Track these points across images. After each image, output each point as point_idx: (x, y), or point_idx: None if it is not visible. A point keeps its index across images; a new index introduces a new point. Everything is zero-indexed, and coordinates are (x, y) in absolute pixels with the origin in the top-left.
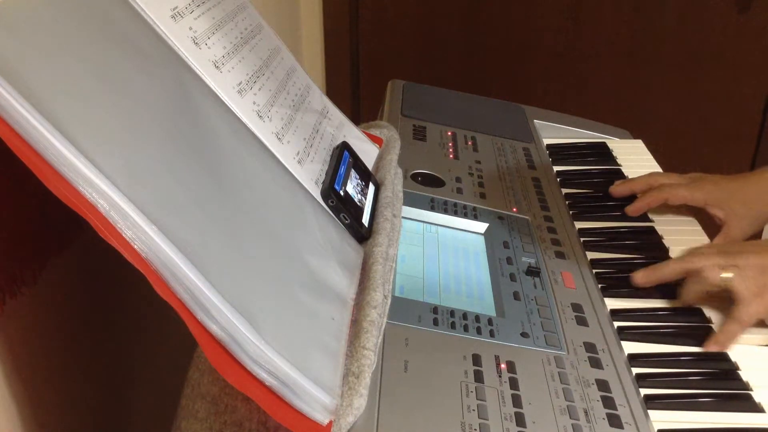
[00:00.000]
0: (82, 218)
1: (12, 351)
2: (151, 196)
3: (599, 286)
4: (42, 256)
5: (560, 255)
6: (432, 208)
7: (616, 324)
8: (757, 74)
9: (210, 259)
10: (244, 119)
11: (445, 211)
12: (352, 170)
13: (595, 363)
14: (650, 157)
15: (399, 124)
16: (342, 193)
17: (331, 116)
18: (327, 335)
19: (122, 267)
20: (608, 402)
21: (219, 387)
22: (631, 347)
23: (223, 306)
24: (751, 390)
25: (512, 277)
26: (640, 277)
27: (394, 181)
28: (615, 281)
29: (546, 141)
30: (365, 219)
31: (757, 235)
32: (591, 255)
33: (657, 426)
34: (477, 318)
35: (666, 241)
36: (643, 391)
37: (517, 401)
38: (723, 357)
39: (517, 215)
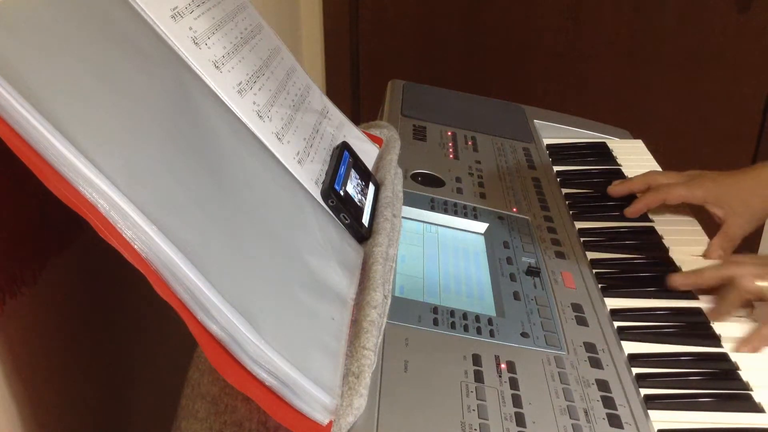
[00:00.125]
0: (82, 218)
1: (12, 351)
2: (151, 196)
3: (599, 286)
4: (42, 256)
5: (560, 255)
6: (432, 208)
7: (616, 324)
8: (757, 74)
9: (210, 259)
10: (244, 119)
11: (445, 211)
12: (352, 170)
13: (595, 363)
14: (650, 157)
15: (399, 124)
16: (342, 193)
17: (331, 116)
18: (327, 335)
19: (122, 267)
20: (608, 402)
21: (219, 387)
22: (631, 347)
23: (223, 306)
24: (751, 390)
25: (512, 277)
26: (678, 280)
27: (394, 181)
28: (615, 281)
29: (546, 141)
30: (365, 219)
31: (756, 233)
32: (591, 255)
33: (657, 426)
34: (477, 318)
35: (666, 241)
36: (643, 391)
37: (517, 401)
38: (723, 357)
39: (517, 215)
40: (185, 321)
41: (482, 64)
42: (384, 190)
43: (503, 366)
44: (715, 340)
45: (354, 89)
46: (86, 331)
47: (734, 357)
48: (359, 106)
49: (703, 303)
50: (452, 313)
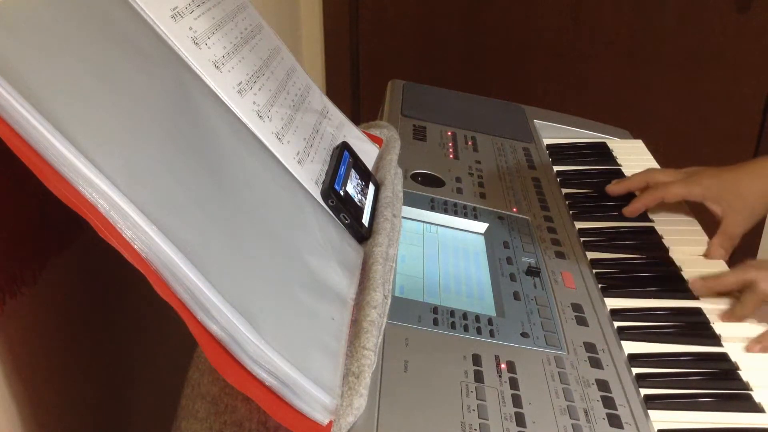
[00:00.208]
0: (82, 218)
1: (12, 351)
2: (151, 196)
3: (599, 286)
4: (42, 256)
5: (560, 255)
6: (432, 208)
7: (616, 324)
8: (757, 74)
9: (210, 259)
10: (244, 119)
11: (445, 211)
12: (352, 170)
13: (595, 363)
14: (650, 157)
15: (399, 124)
16: (342, 193)
17: (331, 116)
18: (327, 335)
19: (122, 267)
20: (608, 402)
21: (219, 387)
22: (631, 347)
23: (223, 306)
24: (751, 390)
25: (512, 277)
26: (700, 287)
27: (394, 181)
28: (615, 281)
29: (546, 141)
30: (365, 219)
31: (756, 233)
32: (591, 255)
33: (657, 426)
34: (477, 318)
35: (666, 241)
36: (643, 391)
37: (517, 401)
38: (723, 357)
39: (517, 215)
40: (185, 321)
41: (482, 64)
42: (384, 190)
43: (503, 366)
44: (715, 340)
45: (354, 89)
46: (86, 331)
47: (734, 357)
48: (359, 106)
49: (703, 303)
50: (452, 313)
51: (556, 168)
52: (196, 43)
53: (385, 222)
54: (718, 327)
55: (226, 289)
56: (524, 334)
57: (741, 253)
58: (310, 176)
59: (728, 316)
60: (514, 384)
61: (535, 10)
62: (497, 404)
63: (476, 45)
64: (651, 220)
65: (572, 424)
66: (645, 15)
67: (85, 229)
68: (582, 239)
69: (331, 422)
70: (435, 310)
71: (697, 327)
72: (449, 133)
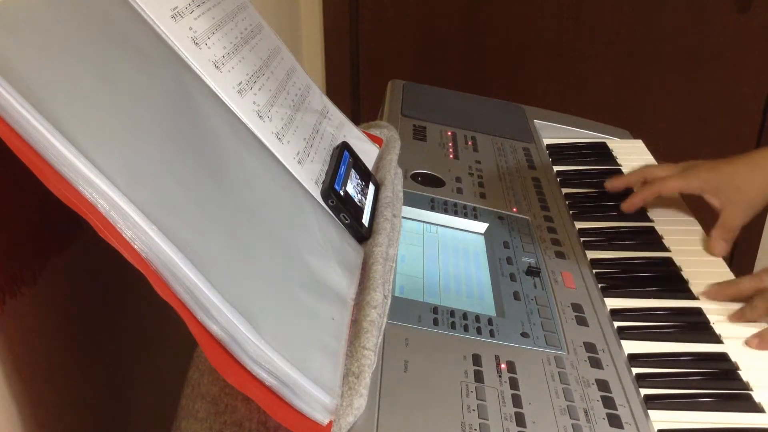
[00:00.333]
0: (82, 218)
1: (12, 351)
2: (151, 196)
3: (599, 286)
4: (42, 256)
5: (560, 255)
6: (432, 208)
7: (616, 324)
8: (757, 74)
9: (210, 259)
10: (244, 119)
11: (445, 211)
12: (352, 170)
13: (595, 363)
14: (650, 157)
15: (399, 124)
16: (342, 193)
17: (331, 116)
18: (327, 335)
19: (122, 267)
20: (608, 402)
21: (219, 387)
22: (631, 347)
23: (223, 306)
24: (751, 390)
25: (512, 277)
26: (715, 292)
27: (394, 181)
28: (615, 281)
29: (546, 141)
30: (365, 219)
31: (756, 228)
32: (591, 255)
33: (657, 426)
34: (477, 318)
35: (666, 241)
36: (643, 391)
37: (517, 401)
38: (723, 357)
39: (517, 215)
40: (185, 321)
41: (482, 64)
42: (384, 190)
43: (503, 366)
44: (716, 340)
45: (354, 89)
46: (86, 331)
47: (734, 357)
48: (359, 106)
49: (703, 303)
50: (452, 313)
51: (556, 168)
52: (196, 43)
53: (385, 222)
54: (718, 327)
55: (226, 289)
56: (524, 334)
57: (741, 251)
58: (310, 176)
59: (737, 317)
60: (514, 384)
61: (535, 10)
62: (497, 404)
63: (476, 45)
64: (651, 220)
65: (572, 424)
66: (645, 15)
67: (85, 229)
68: (582, 239)
69: (331, 422)
70: (435, 310)
71: (697, 327)
72: (449, 133)
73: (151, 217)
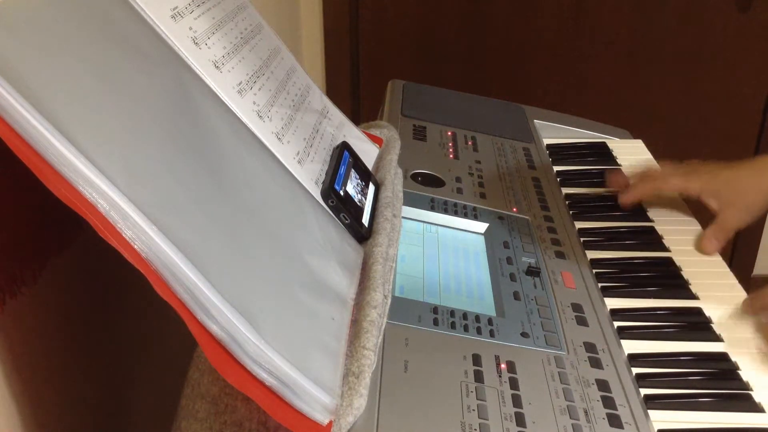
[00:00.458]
0: (82, 218)
1: (12, 351)
2: (151, 196)
3: (599, 286)
4: (42, 256)
5: (560, 255)
6: (432, 208)
7: (616, 324)
8: (757, 74)
9: (210, 259)
10: (244, 119)
11: (445, 211)
12: (352, 170)
13: (595, 363)
14: (650, 157)
15: (399, 124)
16: (342, 193)
17: (331, 116)
18: (327, 335)
19: (122, 267)
20: (608, 402)
21: (219, 387)
22: (631, 347)
23: (223, 306)
24: (751, 390)
25: (512, 277)
26: (747, 308)
27: (394, 181)
28: (615, 281)
29: (546, 141)
30: (365, 219)
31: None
32: (591, 255)
33: (657, 426)
34: (477, 318)
35: (666, 241)
36: (643, 391)
37: (517, 401)
38: (723, 357)
39: (517, 215)
40: (185, 321)
41: (482, 64)
42: (384, 190)
43: (503, 366)
44: (716, 339)
45: (354, 89)
46: (86, 331)
47: (734, 357)
48: (359, 106)
49: (703, 303)
50: (452, 313)
51: (556, 168)
52: (196, 43)
53: (385, 222)
54: (719, 327)
55: (226, 289)
56: (524, 334)
57: (741, 251)
58: (310, 176)
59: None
60: (514, 384)
61: (535, 10)
62: (497, 404)
63: (476, 45)
64: (651, 220)
65: (572, 424)
66: (645, 15)
67: (85, 229)
68: (582, 239)
69: (331, 422)
70: (435, 310)
71: (697, 327)
72: (449, 133)
73: (151, 217)
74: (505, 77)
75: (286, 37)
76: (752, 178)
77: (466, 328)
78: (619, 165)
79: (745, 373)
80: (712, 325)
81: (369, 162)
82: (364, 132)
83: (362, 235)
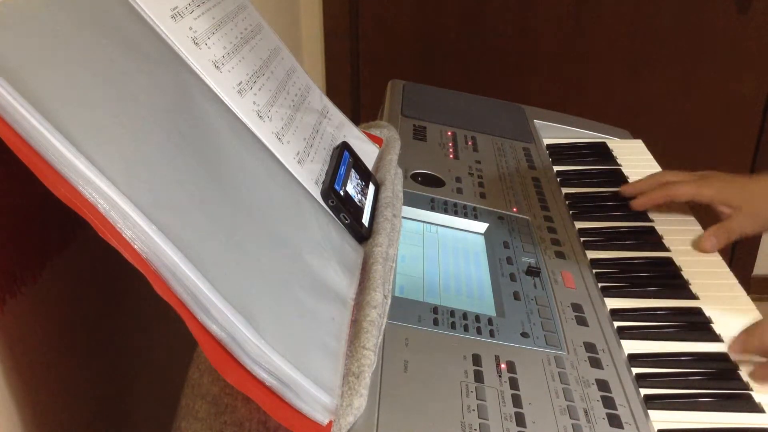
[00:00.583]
0: (82, 218)
1: (12, 351)
2: (151, 196)
3: (599, 286)
4: (42, 256)
5: (560, 255)
6: (432, 208)
7: (616, 324)
8: (757, 74)
9: (210, 259)
10: (244, 119)
11: (445, 211)
12: (352, 170)
13: (595, 363)
14: (650, 157)
15: (399, 124)
16: (342, 193)
17: (331, 116)
18: (327, 335)
19: (122, 267)
20: (608, 402)
21: (219, 387)
22: (631, 347)
23: (223, 306)
24: (751, 390)
25: (512, 277)
26: (741, 347)
27: (394, 181)
28: (615, 281)
29: (546, 141)
30: (365, 219)
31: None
32: (591, 255)
33: (657, 426)
34: (477, 318)
35: (666, 241)
36: (643, 391)
37: (517, 401)
38: (723, 357)
39: (517, 215)
40: (185, 321)
41: (482, 64)
42: (384, 190)
43: (503, 366)
44: (716, 339)
45: (354, 89)
46: (86, 330)
47: (734, 357)
48: (359, 106)
49: (703, 303)
50: (452, 313)
51: (556, 168)
52: (196, 43)
53: (385, 222)
54: (719, 327)
55: (226, 289)
56: (524, 334)
57: (741, 251)
58: (310, 176)
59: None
60: (514, 384)
61: (535, 11)
62: (497, 404)
63: (476, 45)
64: (651, 220)
65: (572, 424)
66: (645, 15)
67: (85, 228)
68: (582, 239)
69: (331, 422)
70: (435, 310)
71: (697, 327)
72: (449, 133)
73: (151, 217)
74: (505, 77)
75: (286, 37)
76: (766, 189)
77: (466, 328)
78: (619, 165)
79: (745, 374)
80: (712, 325)
81: (369, 162)
82: (364, 132)
83: (362, 235)
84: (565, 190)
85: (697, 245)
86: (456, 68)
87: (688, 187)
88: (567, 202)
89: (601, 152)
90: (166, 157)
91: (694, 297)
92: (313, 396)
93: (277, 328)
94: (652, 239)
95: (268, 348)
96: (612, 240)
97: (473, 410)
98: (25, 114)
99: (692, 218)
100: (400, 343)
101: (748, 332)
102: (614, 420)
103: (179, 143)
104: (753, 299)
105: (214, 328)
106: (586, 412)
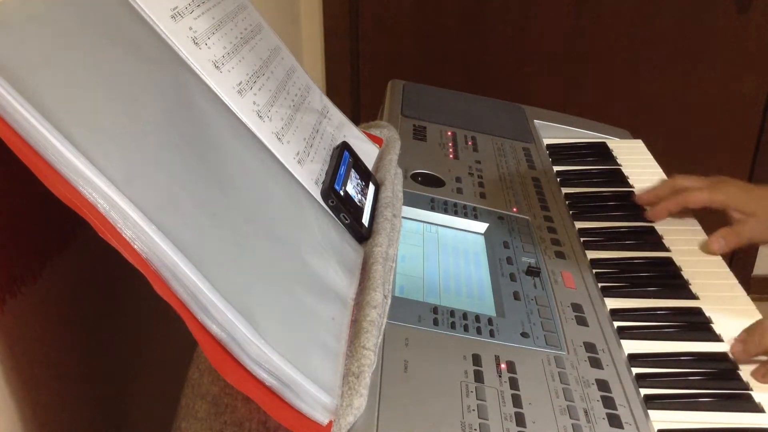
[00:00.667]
0: (82, 218)
1: (12, 351)
2: (151, 196)
3: (599, 286)
4: (42, 256)
5: (560, 255)
6: (432, 208)
7: (616, 324)
8: (757, 74)
9: (210, 259)
10: (244, 119)
11: (445, 211)
12: (352, 170)
13: (595, 363)
14: (650, 157)
15: (399, 124)
16: (342, 193)
17: (331, 116)
18: (327, 335)
19: (122, 267)
20: (608, 402)
21: (219, 387)
22: (631, 347)
23: (223, 306)
24: (751, 390)
25: (512, 277)
26: (739, 352)
27: (394, 181)
28: (615, 281)
29: (546, 141)
30: (365, 219)
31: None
32: (591, 255)
33: (657, 426)
34: (477, 318)
35: (666, 241)
36: (643, 391)
37: (517, 401)
38: (723, 357)
39: (517, 215)
40: (185, 321)
41: (482, 64)
42: (384, 190)
43: (503, 366)
44: (716, 339)
45: (354, 89)
46: (86, 330)
47: (735, 358)
48: (359, 106)
49: (703, 303)
50: (452, 313)
51: (556, 168)
52: (196, 43)
53: (385, 222)
54: (719, 327)
55: (226, 289)
56: (524, 334)
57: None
58: (310, 176)
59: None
60: (514, 384)
61: (535, 10)
62: (497, 404)
63: (476, 45)
64: (651, 220)
65: (572, 424)
66: (645, 15)
67: (85, 228)
68: (582, 239)
69: (331, 422)
70: (435, 310)
71: (697, 327)
72: (449, 133)
73: (151, 217)
74: (505, 77)
75: (286, 37)
76: None
77: (466, 328)
78: (619, 165)
79: (745, 374)
80: (712, 325)
81: (369, 162)
82: (364, 132)
83: (362, 235)
84: (565, 190)
85: (705, 246)
86: (456, 68)
87: (702, 193)
88: (567, 202)
89: (601, 152)
90: (166, 156)
91: (694, 297)
92: (313, 396)
93: (277, 328)
94: (652, 239)
95: (268, 348)
96: (612, 240)
97: (473, 410)
98: (25, 114)
99: (692, 218)
100: (400, 343)
101: (749, 332)
102: (614, 420)
103: (179, 143)
104: (753, 299)
105: (214, 328)
106: (586, 412)
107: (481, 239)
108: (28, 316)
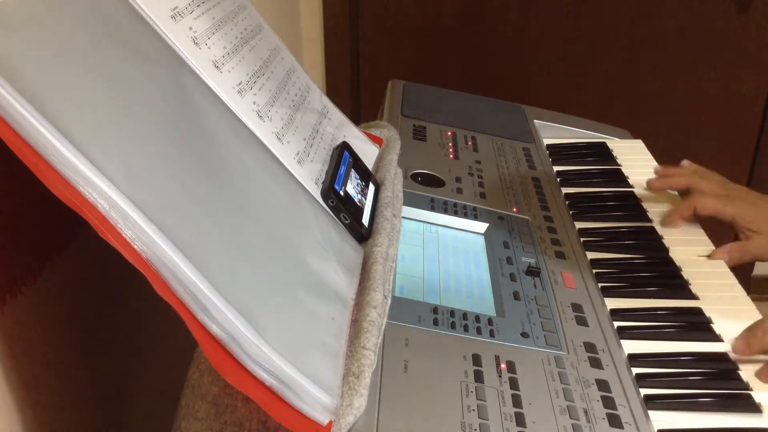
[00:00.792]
0: (82, 218)
1: (12, 351)
2: (151, 196)
3: (599, 286)
4: (42, 256)
5: (560, 255)
6: (432, 208)
7: (616, 324)
8: (757, 74)
9: (210, 259)
10: (244, 119)
11: (445, 211)
12: (352, 170)
13: (595, 363)
14: (650, 157)
15: (399, 124)
16: (342, 193)
17: (331, 116)
18: (327, 335)
19: (122, 267)
20: (608, 402)
21: (219, 387)
22: (631, 347)
23: (223, 306)
24: (751, 390)
25: (512, 277)
26: (741, 348)
27: (394, 181)
28: (615, 281)
29: (546, 141)
30: (365, 219)
31: None
32: (591, 255)
33: (657, 426)
34: (477, 318)
35: (666, 241)
36: (643, 391)
37: (517, 401)
38: (723, 357)
39: (517, 215)
40: (185, 321)
41: (482, 64)
42: (384, 190)
43: (503, 366)
44: (716, 339)
45: (354, 89)
46: (86, 330)
47: (734, 357)
48: (359, 106)
49: (703, 303)
50: (452, 313)
51: (556, 168)
52: (196, 43)
53: (385, 222)
54: (719, 327)
55: (226, 289)
56: (524, 334)
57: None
58: (310, 176)
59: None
60: (514, 384)
61: (535, 10)
62: (497, 404)
63: (476, 45)
64: (651, 220)
65: (572, 424)
66: (645, 15)
67: (85, 228)
68: (582, 239)
69: (331, 422)
70: (435, 310)
71: (697, 327)
72: (449, 133)
73: (151, 217)
74: (505, 77)
75: (286, 37)
76: None
77: (466, 328)
78: (619, 165)
79: (745, 374)
80: (712, 325)
81: (369, 162)
82: (364, 132)
83: (362, 235)
84: (565, 190)
85: (710, 256)
86: (456, 68)
87: (713, 202)
88: (567, 202)
89: (601, 152)
90: (166, 157)
91: (694, 297)
92: (313, 396)
93: (277, 327)
94: (652, 239)
95: (268, 348)
96: (612, 240)
97: (473, 410)
98: (25, 114)
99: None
100: (400, 343)
101: (751, 330)
102: (614, 420)
103: (179, 143)
104: (753, 299)
105: (214, 328)
106: (586, 412)
107: (481, 239)
108: (28, 316)
